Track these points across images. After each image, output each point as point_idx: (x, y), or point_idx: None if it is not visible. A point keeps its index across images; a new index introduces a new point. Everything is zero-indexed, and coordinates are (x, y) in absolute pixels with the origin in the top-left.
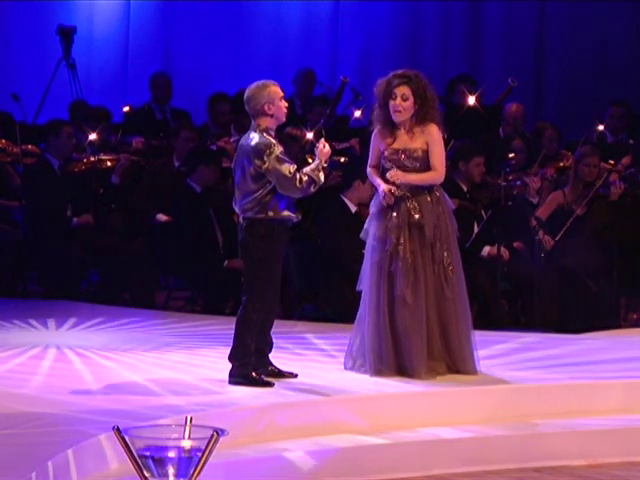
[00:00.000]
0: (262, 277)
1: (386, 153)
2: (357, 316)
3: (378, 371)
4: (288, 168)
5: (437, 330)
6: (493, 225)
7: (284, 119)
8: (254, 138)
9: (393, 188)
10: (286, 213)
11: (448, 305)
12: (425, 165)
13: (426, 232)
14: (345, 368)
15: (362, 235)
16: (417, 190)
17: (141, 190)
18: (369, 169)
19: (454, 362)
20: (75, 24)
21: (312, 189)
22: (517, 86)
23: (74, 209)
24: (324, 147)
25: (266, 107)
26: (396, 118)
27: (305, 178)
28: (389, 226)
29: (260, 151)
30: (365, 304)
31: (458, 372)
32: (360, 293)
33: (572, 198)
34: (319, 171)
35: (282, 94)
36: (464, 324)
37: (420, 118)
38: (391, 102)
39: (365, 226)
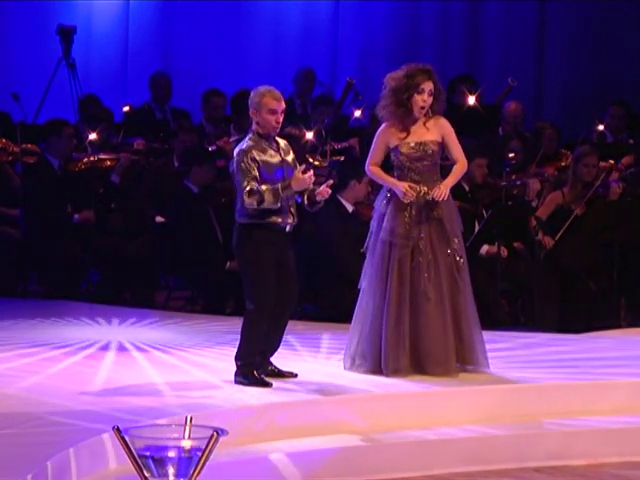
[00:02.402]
0: (254, 280)
1: (402, 149)
2: (355, 315)
3: (395, 370)
4: (245, 178)
5: (452, 324)
6: (493, 225)
7: (272, 132)
8: (242, 142)
9: (413, 185)
10: (272, 218)
11: (461, 297)
12: (437, 157)
13: (446, 225)
14: (344, 368)
15: (382, 235)
16: (433, 185)
17: (141, 190)
18: (372, 167)
19: (464, 355)
20: (75, 24)
21: (256, 205)
22: (517, 86)
23: (74, 208)
24: (300, 173)
25: (251, 114)
26: (420, 113)
27: (254, 193)
28: (411, 222)
29: (234, 157)
30: (373, 302)
31: (465, 365)
32: (360, 291)
33: (571, 198)
34: (273, 192)
35: (275, 107)
36: (474, 315)
37: (432, 111)
38: (417, 97)
39: (375, 224)
